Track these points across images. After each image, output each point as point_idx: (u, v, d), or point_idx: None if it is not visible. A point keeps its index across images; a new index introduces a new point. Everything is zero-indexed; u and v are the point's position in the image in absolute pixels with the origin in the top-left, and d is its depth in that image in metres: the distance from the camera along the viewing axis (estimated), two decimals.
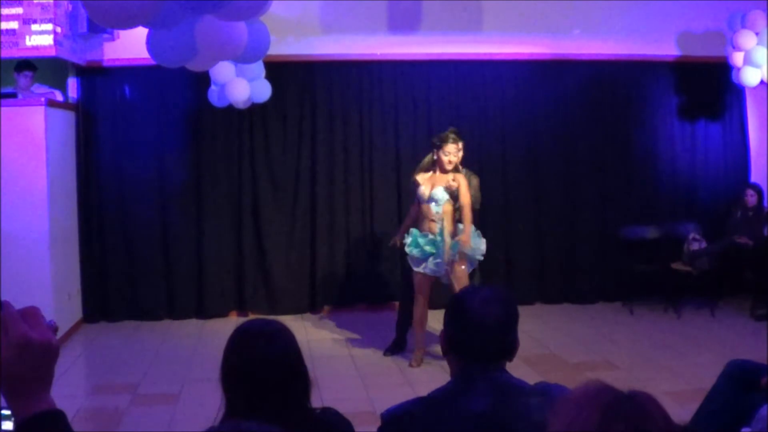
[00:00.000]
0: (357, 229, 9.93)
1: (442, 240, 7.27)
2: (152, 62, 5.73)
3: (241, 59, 6.09)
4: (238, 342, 2.71)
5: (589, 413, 1.48)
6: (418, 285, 7.54)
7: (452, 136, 7.47)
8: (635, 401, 1.51)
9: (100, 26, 8.56)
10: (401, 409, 2.59)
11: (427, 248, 7.32)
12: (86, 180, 9.48)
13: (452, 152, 7.43)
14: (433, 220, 7.37)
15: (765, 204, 9.81)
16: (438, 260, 7.30)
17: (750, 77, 9.10)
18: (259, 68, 8.17)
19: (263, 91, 8.48)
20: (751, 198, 9.71)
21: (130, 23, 5.05)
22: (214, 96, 8.46)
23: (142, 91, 9.56)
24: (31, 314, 1.39)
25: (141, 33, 5.46)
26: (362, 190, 9.91)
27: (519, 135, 10.02)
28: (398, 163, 9.76)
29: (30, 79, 8.78)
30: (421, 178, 7.57)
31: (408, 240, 7.45)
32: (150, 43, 5.31)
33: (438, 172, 7.49)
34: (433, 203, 7.37)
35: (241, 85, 8.18)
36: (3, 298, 1.38)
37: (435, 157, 7.51)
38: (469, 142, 9.55)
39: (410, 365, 7.57)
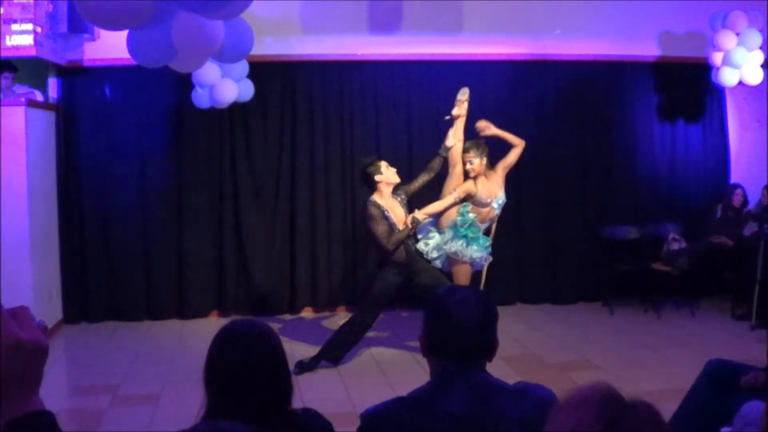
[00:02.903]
0: (338, 229, 9.90)
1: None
2: (133, 62, 5.71)
3: (223, 58, 6.04)
4: (223, 342, 2.69)
5: (591, 420, 1.48)
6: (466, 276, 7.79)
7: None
8: (638, 411, 1.50)
9: (81, 26, 8.54)
10: (380, 410, 2.59)
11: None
12: (66, 180, 9.43)
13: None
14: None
15: (746, 204, 9.87)
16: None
17: (730, 78, 9.15)
18: (243, 68, 8.16)
19: (247, 90, 8.49)
20: (737, 198, 9.77)
21: (124, 24, 5.03)
22: (199, 98, 8.39)
23: (123, 92, 9.50)
24: (20, 314, 1.38)
25: (121, 33, 5.43)
26: (343, 190, 9.90)
27: None
28: None
29: (11, 81, 8.71)
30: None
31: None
32: (131, 43, 5.28)
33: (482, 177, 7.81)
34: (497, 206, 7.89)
35: (228, 86, 8.15)
36: None
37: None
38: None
39: None
